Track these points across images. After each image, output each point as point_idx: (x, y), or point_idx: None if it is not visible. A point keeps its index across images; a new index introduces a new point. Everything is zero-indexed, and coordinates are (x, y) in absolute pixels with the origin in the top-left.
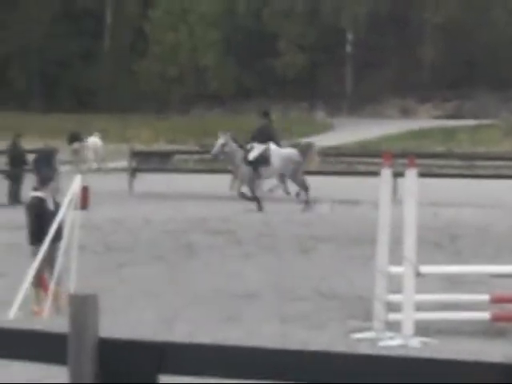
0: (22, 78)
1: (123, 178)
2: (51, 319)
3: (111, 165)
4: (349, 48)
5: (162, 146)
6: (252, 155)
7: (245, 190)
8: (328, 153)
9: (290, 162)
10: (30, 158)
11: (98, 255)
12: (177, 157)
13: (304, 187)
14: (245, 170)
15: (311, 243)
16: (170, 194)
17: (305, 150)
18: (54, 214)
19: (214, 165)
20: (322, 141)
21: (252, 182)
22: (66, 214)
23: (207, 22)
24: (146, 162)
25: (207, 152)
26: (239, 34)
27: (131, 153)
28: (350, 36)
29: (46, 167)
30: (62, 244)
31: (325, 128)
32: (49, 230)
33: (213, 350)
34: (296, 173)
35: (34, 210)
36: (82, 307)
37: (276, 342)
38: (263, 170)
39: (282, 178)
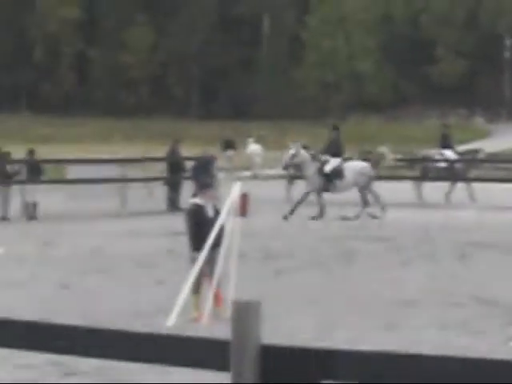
0: (180, 86)
1: (282, 186)
2: (210, 326)
3: (270, 172)
4: (507, 54)
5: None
6: (328, 168)
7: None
8: (488, 159)
9: (362, 176)
10: (189, 165)
11: (257, 262)
12: None
13: (366, 203)
14: (316, 180)
15: (470, 249)
16: (328, 200)
17: (377, 160)
18: (212, 220)
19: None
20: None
21: (320, 192)
22: (226, 221)
23: (364, 29)
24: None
25: (368, 160)
26: (396, 41)
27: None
28: (508, 42)
29: (204, 174)
30: (222, 250)
31: (483, 134)
32: (208, 237)
33: (375, 358)
34: (367, 186)
35: (193, 217)
36: (245, 314)
37: (436, 349)
38: (338, 182)
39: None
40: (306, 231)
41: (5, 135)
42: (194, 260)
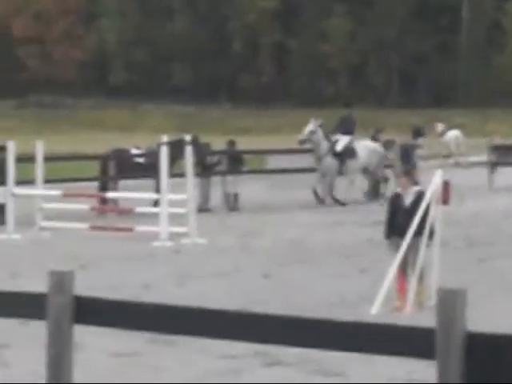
0: (379, 74)
1: (483, 173)
2: (413, 315)
3: (471, 159)
4: None
5: None
6: (339, 147)
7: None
8: None
9: (375, 155)
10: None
11: (458, 250)
12: None
13: (385, 179)
14: (330, 162)
15: None
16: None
17: (388, 145)
18: (409, 209)
19: None
20: None
21: (335, 176)
22: (429, 209)
23: None
24: (506, 156)
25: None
26: None
27: (491, 147)
28: None
29: (404, 162)
30: (424, 239)
31: None
32: (401, 225)
33: None
34: (379, 166)
35: (389, 205)
36: (451, 301)
37: None
38: (350, 162)
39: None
40: (507, 218)
41: (205, 127)
42: (389, 248)
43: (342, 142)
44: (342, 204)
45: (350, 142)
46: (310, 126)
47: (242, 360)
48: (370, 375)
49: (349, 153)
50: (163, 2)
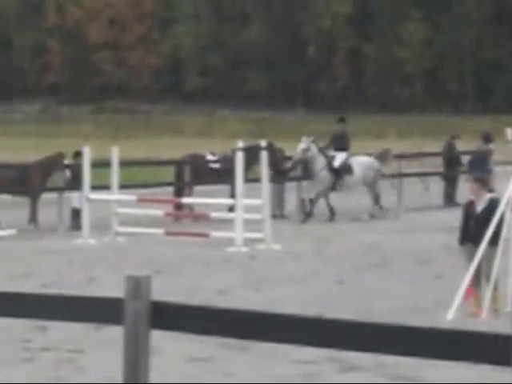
0: (454, 80)
1: None
2: (489, 321)
3: None
4: None
5: None
6: (337, 163)
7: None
8: None
9: (371, 171)
10: (465, 159)
11: None
12: None
13: (377, 199)
14: (326, 177)
15: None
16: None
17: (383, 156)
18: (481, 216)
19: None
20: None
21: (329, 191)
22: (504, 216)
23: None
24: None
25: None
26: None
27: None
28: None
29: (480, 169)
30: (499, 248)
31: None
32: (473, 232)
33: None
34: (375, 182)
35: (462, 212)
36: None
37: None
38: (347, 178)
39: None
40: None
41: (280, 132)
42: (462, 254)
43: (339, 158)
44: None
45: (347, 159)
46: (302, 145)
47: (316, 365)
48: (444, 379)
49: (346, 169)
50: (238, 7)
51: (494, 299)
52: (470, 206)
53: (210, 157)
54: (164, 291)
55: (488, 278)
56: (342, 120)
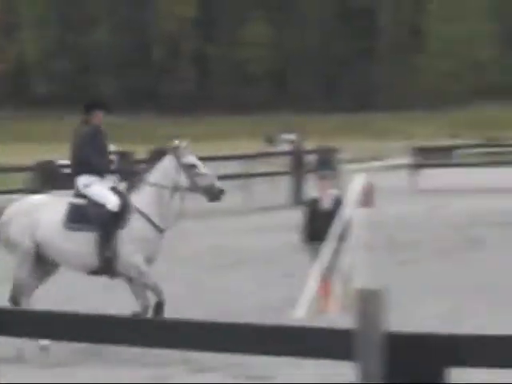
0: (300, 80)
1: (405, 175)
2: (336, 317)
3: (393, 162)
4: None
5: (443, 142)
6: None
7: None
8: None
9: None
10: (312, 158)
11: (382, 252)
12: (459, 151)
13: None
14: None
15: None
16: (452, 188)
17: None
18: (328, 213)
19: (499, 157)
20: None
21: None
22: (350, 213)
23: (484, 15)
24: (428, 157)
25: (495, 146)
26: None
27: (413, 149)
28: None
29: (324, 167)
30: (348, 243)
31: None
32: (320, 229)
33: (505, 343)
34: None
35: (306, 210)
36: (370, 302)
37: None
38: None
39: None
40: (430, 220)
41: (132, 136)
42: (307, 250)
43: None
44: None
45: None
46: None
47: (167, 368)
48: (298, 377)
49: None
50: (83, 11)
51: (344, 295)
52: (315, 203)
53: (61, 161)
54: None
55: (337, 274)
56: None
